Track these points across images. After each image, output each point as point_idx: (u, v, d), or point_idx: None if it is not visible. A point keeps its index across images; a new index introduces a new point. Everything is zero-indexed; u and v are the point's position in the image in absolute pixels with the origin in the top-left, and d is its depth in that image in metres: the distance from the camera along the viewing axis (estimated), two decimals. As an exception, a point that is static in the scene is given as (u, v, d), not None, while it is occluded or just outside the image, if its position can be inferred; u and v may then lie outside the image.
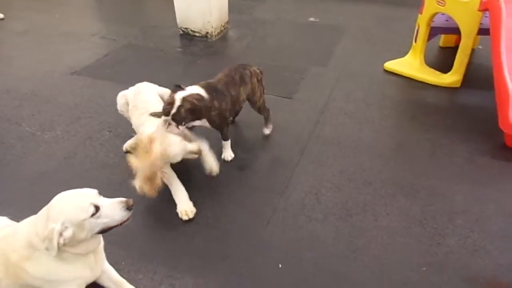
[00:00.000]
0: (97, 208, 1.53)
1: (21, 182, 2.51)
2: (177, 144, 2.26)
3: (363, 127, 2.96)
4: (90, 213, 1.51)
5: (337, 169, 2.57)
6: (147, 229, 2.20)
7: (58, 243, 1.46)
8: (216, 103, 2.37)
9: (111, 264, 1.87)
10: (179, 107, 2.18)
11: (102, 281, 1.81)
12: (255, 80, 2.62)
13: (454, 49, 3.74)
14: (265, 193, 2.40)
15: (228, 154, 2.66)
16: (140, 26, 4.74)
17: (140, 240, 2.12)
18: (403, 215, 2.24)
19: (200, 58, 4.01)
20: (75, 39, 4.42)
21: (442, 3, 3.19)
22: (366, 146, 2.77)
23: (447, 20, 3.52)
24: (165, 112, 2.20)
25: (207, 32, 4.31)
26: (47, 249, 1.48)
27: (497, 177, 2.49)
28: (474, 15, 3.02)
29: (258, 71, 2.66)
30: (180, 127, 2.22)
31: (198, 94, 2.28)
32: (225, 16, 4.49)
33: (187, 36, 4.41)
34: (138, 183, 2.03)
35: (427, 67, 3.57)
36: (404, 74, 3.57)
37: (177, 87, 2.28)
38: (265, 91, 2.72)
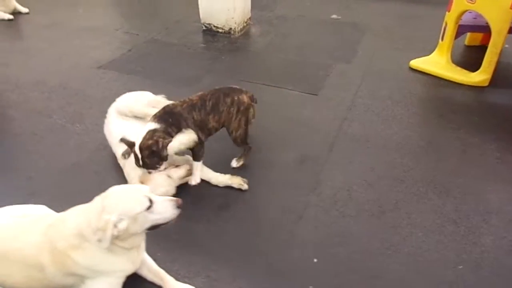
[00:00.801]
0: (151, 203, 1.55)
1: (54, 173, 2.55)
2: (164, 183, 2.23)
3: (391, 124, 2.94)
4: (145, 207, 1.53)
5: (368, 166, 2.56)
6: (182, 221, 2.21)
7: (112, 235, 1.48)
8: (173, 129, 2.21)
9: (148, 254, 1.90)
10: (143, 159, 2.11)
11: (141, 271, 1.83)
12: (235, 110, 2.35)
13: (480, 47, 3.75)
14: (295, 189, 2.40)
15: (194, 178, 2.34)
16: (162, 21, 4.77)
17: (175, 231, 2.13)
18: (436, 213, 2.23)
19: (224, 54, 4.02)
20: (99, 33, 4.46)
21: (472, 1, 3.16)
22: (395, 143, 2.76)
23: (475, 18, 3.48)
24: (137, 165, 2.17)
25: (230, 28, 4.31)
26: (99, 240, 1.50)
27: (530, 177, 2.48)
28: (505, 13, 2.98)
29: (246, 99, 2.38)
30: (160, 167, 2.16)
31: (148, 134, 2.13)
32: (247, 13, 4.49)
33: (210, 32, 4.42)
34: None
35: (454, 65, 3.54)
36: (430, 72, 3.54)
37: (122, 140, 2.24)
38: (251, 121, 2.46)
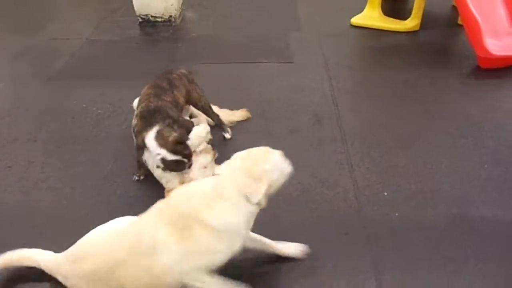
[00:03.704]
0: None
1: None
2: (205, 174, 2.23)
3: (367, 73, 3.39)
4: (287, 175, 1.58)
5: (375, 110, 2.92)
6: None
7: (267, 188, 1.51)
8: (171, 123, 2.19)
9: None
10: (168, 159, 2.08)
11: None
12: (186, 81, 2.48)
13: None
14: (330, 144, 2.63)
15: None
16: (85, 21, 4.39)
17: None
18: (444, 133, 2.70)
19: (178, 42, 3.94)
20: (23, 46, 3.94)
21: (398, -42, 3.69)
22: (381, 86, 3.17)
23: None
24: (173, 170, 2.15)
25: (171, 16, 4.20)
26: (249, 200, 1.50)
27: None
28: (428, -36, 3.58)
29: (185, 72, 2.54)
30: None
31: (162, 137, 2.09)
32: (180, -2, 4.42)
33: (148, 23, 4.23)
34: None
35: (386, 17, 4.09)
36: (370, 26, 4.03)
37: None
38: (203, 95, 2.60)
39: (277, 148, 2.53)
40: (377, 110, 2.93)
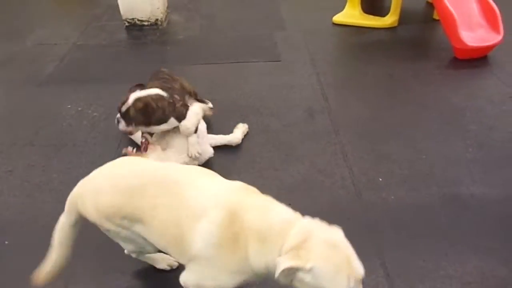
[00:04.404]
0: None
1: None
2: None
3: (351, 68, 3.54)
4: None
5: (362, 101, 3.05)
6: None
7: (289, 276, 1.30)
8: (177, 97, 2.37)
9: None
10: (128, 108, 2.21)
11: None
12: (175, 76, 2.66)
13: None
14: (322, 136, 2.75)
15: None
16: (71, 27, 4.38)
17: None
18: (436, 123, 2.86)
19: (166, 44, 4.00)
20: (11, 51, 3.92)
21: (376, -42, 3.87)
22: (368, 81, 3.32)
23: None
24: (118, 109, 2.27)
25: (157, 19, 4.25)
26: (272, 268, 1.32)
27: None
28: (404, -37, 3.76)
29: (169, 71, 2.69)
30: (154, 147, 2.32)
31: (157, 94, 2.26)
32: (165, 1, 4.46)
33: (135, 27, 4.27)
34: None
35: (366, 14, 4.26)
36: (351, 24, 4.18)
37: (137, 86, 2.31)
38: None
39: (275, 142, 2.66)
40: (365, 103, 3.07)
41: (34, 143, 2.76)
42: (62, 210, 2.23)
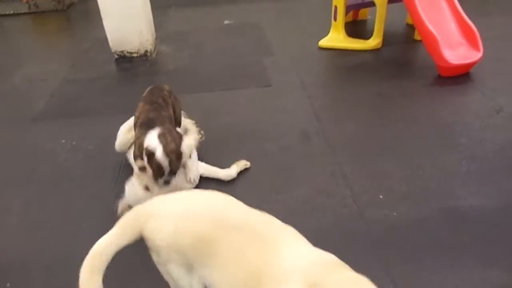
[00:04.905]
0: None
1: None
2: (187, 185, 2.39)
3: (339, 90, 3.64)
4: None
5: (355, 121, 3.13)
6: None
7: None
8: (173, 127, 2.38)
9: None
10: (172, 164, 2.16)
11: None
12: (173, 98, 2.66)
13: (354, 22, 4.84)
14: (320, 158, 2.79)
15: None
16: (59, 62, 4.41)
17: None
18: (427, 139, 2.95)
19: (157, 75, 4.04)
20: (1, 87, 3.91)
21: (356, -15, 4.04)
22: (360, 102, 3.41)
23: (361, -3, 4.42)
24: (156, 172, 2.16)
25: (146, 51, 4.32)
26: None
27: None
28: (384, -11, 3.95)
29: (170, 89, 2.73)
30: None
31: (163, 138, 2.19)
32: (154, 32, 4.54)
33: (125, 59, 4.33)
34: None
35: (350, 38, 4.41)
36: (336, 47, 4.31)
37: (141, 129, 2.27)
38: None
39: (273, 165, 2.68)
40: (358, 122, 3.14)
41: (30, 180, 2.73)
42: (64, 247, 2.22)
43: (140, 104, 2.52)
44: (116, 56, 4.32)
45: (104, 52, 4.43)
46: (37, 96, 3.72)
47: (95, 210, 2.44)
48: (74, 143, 3.06)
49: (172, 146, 2.19)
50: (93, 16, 5.76)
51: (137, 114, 2.48)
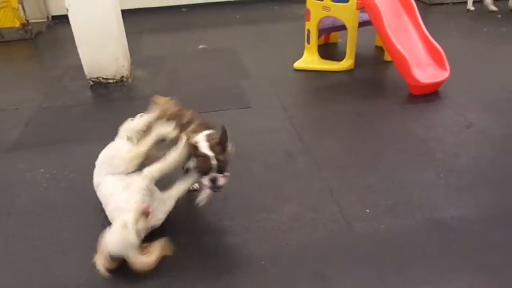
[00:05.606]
0: None
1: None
2: None
3: (321, 110, 3.72)
4: None
5: (337, 139, 3.23)
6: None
7: None
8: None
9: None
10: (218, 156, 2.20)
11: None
12: None
13: (326, 44, 5.02)
14: (305, 175, 2.85)
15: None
16: (29, 90, 4.31)
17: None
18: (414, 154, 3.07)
19: (134, 100, 4.02)
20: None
21: (327, 9, 4.23)
22: (339, 120, 3.52)
23: (333, 21, 4.58)
24: (204, 168, 2.19)
25: (123, 76, 4.30)
26: None
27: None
28: (354, 14, 4.14)
29: None
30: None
31: (210, 134, 2.33)
32: (129, 58, 4.54)
33: (100, 85, 4.28)
34: None
35: (324, 60, 4.58)
36: (311, 69, 4.48)
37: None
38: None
39: (261, 184, 2.70)
40: (339, 140, 3.24)
41: (10, 211, 2.62)
42: (51, 280, 2.14)
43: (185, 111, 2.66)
44: (91, 83, 4.27)
45: (78, 78, 4.38)
46: (10, 126, 3.60)
47: (82, 239, 2.37)
48: (54, 171, 2.98)
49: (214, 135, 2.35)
50: (62, 43, 5.76)
51: (188, 117, 2.58)
